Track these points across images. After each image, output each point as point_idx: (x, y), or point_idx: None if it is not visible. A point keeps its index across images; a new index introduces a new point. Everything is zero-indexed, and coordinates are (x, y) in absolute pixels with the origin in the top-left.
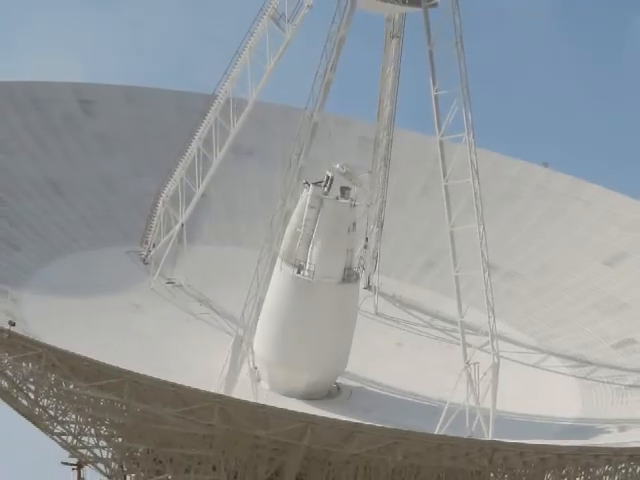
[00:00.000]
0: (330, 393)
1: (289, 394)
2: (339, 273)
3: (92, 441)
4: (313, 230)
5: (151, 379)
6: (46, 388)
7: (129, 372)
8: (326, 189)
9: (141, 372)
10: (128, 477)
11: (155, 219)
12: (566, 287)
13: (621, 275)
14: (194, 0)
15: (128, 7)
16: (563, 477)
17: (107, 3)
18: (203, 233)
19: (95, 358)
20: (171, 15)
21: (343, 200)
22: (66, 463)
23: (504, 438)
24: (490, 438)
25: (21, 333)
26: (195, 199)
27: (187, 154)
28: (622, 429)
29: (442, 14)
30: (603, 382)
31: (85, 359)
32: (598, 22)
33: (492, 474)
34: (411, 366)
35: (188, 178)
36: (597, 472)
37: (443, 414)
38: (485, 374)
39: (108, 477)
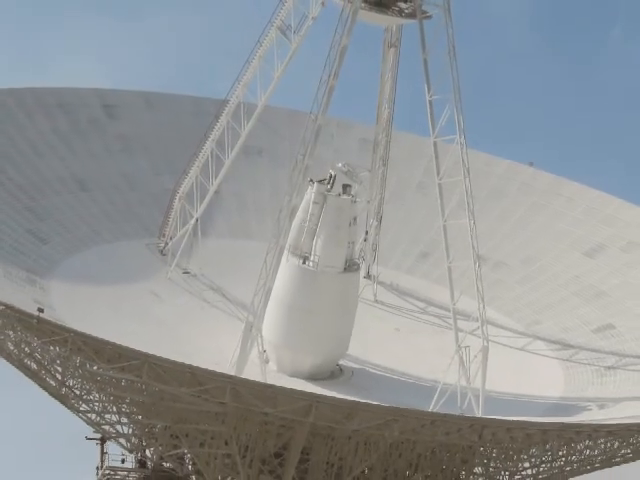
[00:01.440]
0: (333, 374)
1: (295, 375)
2: (341, 263)
3: (114, 418)
4: (317, 224)
5: (168, 361)
6: (72, 369)
7: (148, 355)
8: (329, 186)
9: (159, 355)
10: (147, 451)
11: (172, 214)
12: (549, 276)
13: (600, 265)
14: (209, 14)
15: (150, 19)
16: (547, 451)
17: (130, 15)
18: (216, 227)
19: (117, 342)
20: (188, 27)
21: (345, 196)
22: (90, 438)
23: (493, 415)
24: (480, 415)
25: (49, 319)
26: (209, 196)
27: (201, 154)
28: (601, 407)
29: (436, 25)
30: (584, 364)
31: (108, 343)
32: (580, 33)
33: (482, 448)
34: (407, 349)
35: (202, 176)
36: (578, 447)
37: (437, 393)
38: (475, 357)
39: (129, 451)
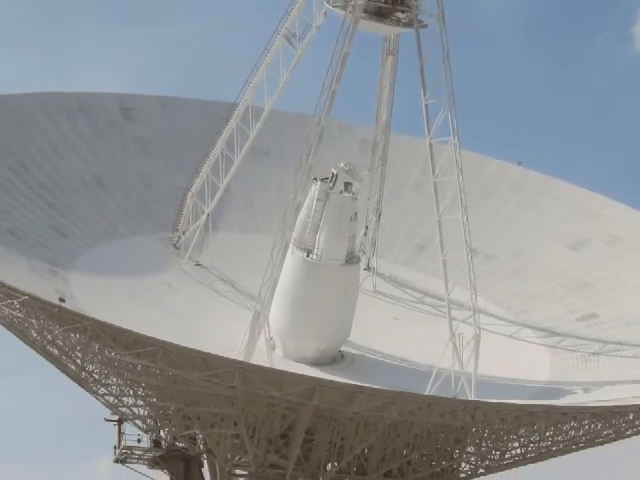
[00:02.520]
0: (335, 359)
1: (300, 360)
2: (343, 256)
3: (130, 401)
4: (320, 220)
5: (181, 347)
6: (91, 355)
7: (162, 342)
8: (331, 184)
9: (173, 342)
10: (161, 431)
11: (185, 210)
12: (537, 269)
13: (585, 258)
14: (220, 22)
15: (164, 27)
16: (535, 432)
17: (145, 24)
18: (226, 222)
19: (133, 330)
20: (200, 34)
21: (346, 194)
22: (109, 420)
23: (484, 398)
24: (472, 398)
25: (70, 308)
26: (219, 193)
27: (212, 154)
28: (586, 390)
29: (431, 34)
30: (569, 350)
31: (124, 330)
32: (567, 39)
33: (474, 429)
34: (405, 337)
35: (213, 175)
36: (564, 427)
37: (432, 378)
38: (468, 343)
39: (144, 432)
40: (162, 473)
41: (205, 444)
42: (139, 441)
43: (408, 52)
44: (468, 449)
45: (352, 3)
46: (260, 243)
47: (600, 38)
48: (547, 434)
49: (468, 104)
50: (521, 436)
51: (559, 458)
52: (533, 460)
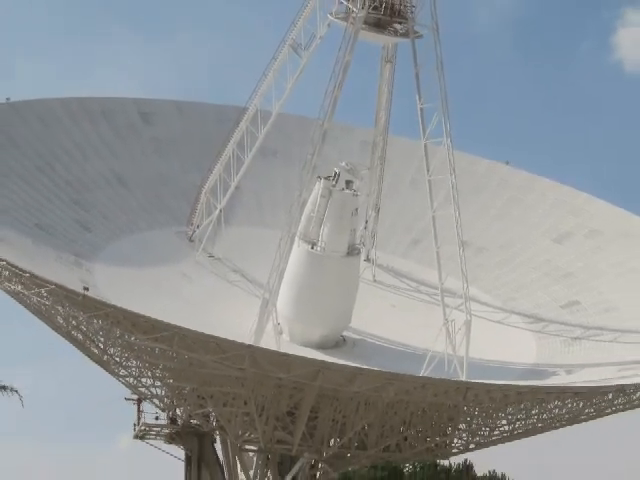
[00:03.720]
0: (337, 344)
1: (305, 344)
2: (344, 248)
3: (149, 381)
4: (324, 215)
5: (195, 332)
6: (112, 340)
7: (178, 327)
8: (334, 182)
9: (188, 327)
10: (177, 410)
11: (199, 206)
12: (524, 260)
13: (567, 250)
14: (231, 33)
15: (180, 38)
16: (522, 410)
17: (163, 34)
18: (237, 217)
19: (151, 316)
20: (213, 44)
21: (347, 191)
22: (129, 399)
23: (475, 379)
24: (464, 379)
25: (93, 296)
26: (230, 190)
27: (224, 154)
28: (568, 372)
29: (426, 44)
30: (553, 335)
31: (143, 317)
32: (553, 47)
33: (465, 408)
34: (402, 323)
35: (225, 174)
36: (549, 406)
37: (427, 360)
38: (460, 329)
39: (162, 410)
40: (178, 448)
41: (217, 421)
42: (157, 418)
43: (405, 60)
44: (460, 426)
45: (353, 15)
46: (268, 236)
47: (584, 46)
48: (533, 412)
49: (460, 108)
50: (509, 414)
51: (544, 434)
52: (520, 436)
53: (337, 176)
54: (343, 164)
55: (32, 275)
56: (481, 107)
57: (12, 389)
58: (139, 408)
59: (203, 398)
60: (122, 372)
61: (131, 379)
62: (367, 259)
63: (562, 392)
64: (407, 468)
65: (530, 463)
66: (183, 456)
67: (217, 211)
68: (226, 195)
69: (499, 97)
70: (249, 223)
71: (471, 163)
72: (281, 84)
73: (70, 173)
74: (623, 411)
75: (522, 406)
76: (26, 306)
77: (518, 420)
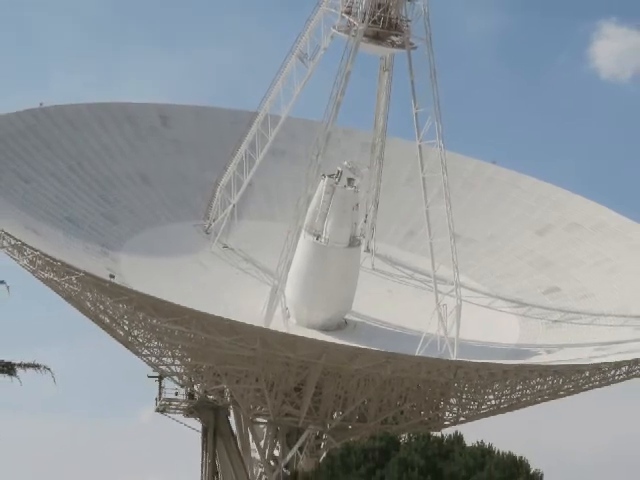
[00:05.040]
0: (340, 326)
1: (310, 327)
2: (346, 240)
3: (169, 360)
4: (327, 209)
5: (211, 316)
6: (136, 322)
7: (196, 311)
8: (337, 180)
9: (204, 311)
10: (195, 386)
11: (214, 201)
12: (509, 250)
13: (548, 241)
14: (245, 44)
15: (197, 50)
16: (507, 386)
17: (181, 46)
18: (249, 211)
19: (171, 301)
20: (227, 54)
21: (349, 188)
22: (151, 376)
23: (465, 358)
24: (455, 359)
25: (118, 283)
26: (243, 187)
27: (237, 154)
28: (549, 352)
29: (420, 54)
30: (536, 318)
31: (164, 302)
32: (532, 59)
33: (456, 384)
34: (398, 307)
35: (238, 172)
36: (531, 382)
37: (421, 341)
38: (451, 312)
39: (181, 386)
40: (195, 421)
41: (231, 396)
42: (176, 394)
43: (401, 69)
44: (451, 400)
45: (354, 28)
46: (277, 229)
47: (562, 58)
48: (517, 388)
49: (452, 112)
50: (495, 390)
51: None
52: (505, 410)
53: (340, 174)
54: (345, 163)
55: (63, 264)
56: (470, 112)
57: (45, 367)
58: (160, 384)
59: (218, 375)
60: (145, 352)
61: (153, 358)
62: (367, 249)
63: (544, 370)
64: (403, 439)
65: (516, 434)
66: (200, 428)
67: (231, 206)
68: (239, 191)
69: (487, 103)
70: (260, 217)
71: (461, 162)
72: (289, 91)
73: (98, 171)
74: (599, 387)
75: (507, 383)
76: (58, 292)
77: (503, 395)
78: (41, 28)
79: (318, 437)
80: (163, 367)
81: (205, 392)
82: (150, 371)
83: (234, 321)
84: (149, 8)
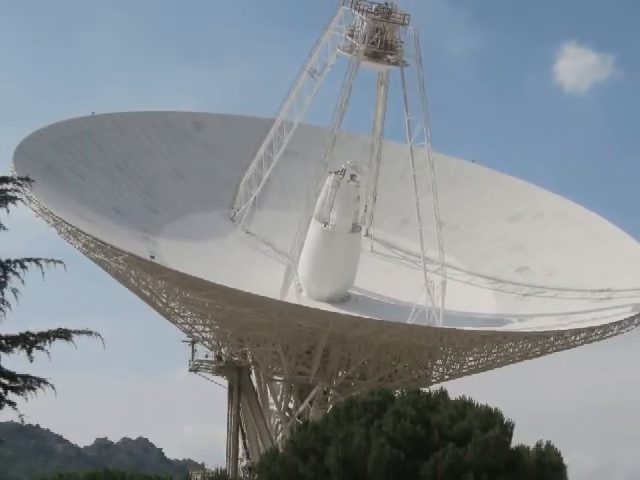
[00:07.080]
0: (344, 299)
1: (319, 300)
2: (349, 227)
3: (200, 328)
4: (333, 201)
5: (236, 291)
6: (173, 296)
7: (223, 286)
8: (341, 176)
9: (230, 286)
10: (222, 349)
11: (238, 194)
12: (486, 235)
13: (518, 227)
14: (264, 62)
15: (225, 65)
16: (484, 349)
17: (211, 61)
18: (267, 203)
19: (203, 278)
20: (250, 70)
21: (352, 182)
22: (185, 341)
23: (449, 326)
24: (440, 326)
25: (158, 263)
26: (262, 182)
27: (258, 155)
28: (520, 320)
29: (412, 70)
30: (509, 292)
31: (196, 278)
32: (507, 77)
33: (441, 348)
34: (393, 283)
35: (258, 169)
36: (504, 346)
37: (412, 311)
38: (437, 287)
39: (210, 349)
40: (222, 379)
41: (252, 358)
42: (206, 356)
43: (395, 83)
44: (437, 362)
45: (356, 49)
46: (291, 218)
47: (531, 76)
48: (493, 351)
49: (438, 119)
50: (474, 352)
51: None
52: (482, 369)
53: (344, 171)
54: (348, 162)
55: (112, 247)
56: (454, 119)
57: (96, 333)
58: (193, 348)
59: (241, 340)
60: (180, 321)
61: (187, 326)
62: (367, 234)
63: (515, 336)
64: (397, 394)
65: (492, 390)
66: (226, 385)
67: (252, 198)
68: (259, 186)
69: (468, 111)
70: (277, 207)
71: (446, 161)
72: (301, 101)
73: (141, 169)
74: (561, 350)
75: (484, 346)
76: (107, 270)
77: (481, 357)
78: (89, 46)
79: (326, 392)
80: (195, 334)
81: (230, 354)
82: (184, 336)
83: (255, 295)
84: (186, 30)
